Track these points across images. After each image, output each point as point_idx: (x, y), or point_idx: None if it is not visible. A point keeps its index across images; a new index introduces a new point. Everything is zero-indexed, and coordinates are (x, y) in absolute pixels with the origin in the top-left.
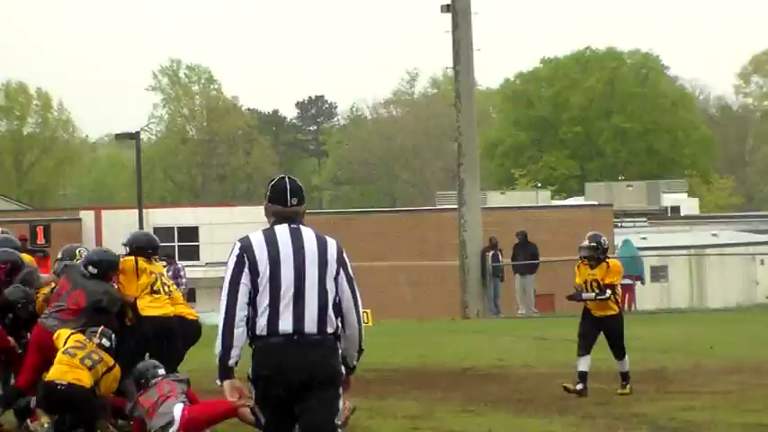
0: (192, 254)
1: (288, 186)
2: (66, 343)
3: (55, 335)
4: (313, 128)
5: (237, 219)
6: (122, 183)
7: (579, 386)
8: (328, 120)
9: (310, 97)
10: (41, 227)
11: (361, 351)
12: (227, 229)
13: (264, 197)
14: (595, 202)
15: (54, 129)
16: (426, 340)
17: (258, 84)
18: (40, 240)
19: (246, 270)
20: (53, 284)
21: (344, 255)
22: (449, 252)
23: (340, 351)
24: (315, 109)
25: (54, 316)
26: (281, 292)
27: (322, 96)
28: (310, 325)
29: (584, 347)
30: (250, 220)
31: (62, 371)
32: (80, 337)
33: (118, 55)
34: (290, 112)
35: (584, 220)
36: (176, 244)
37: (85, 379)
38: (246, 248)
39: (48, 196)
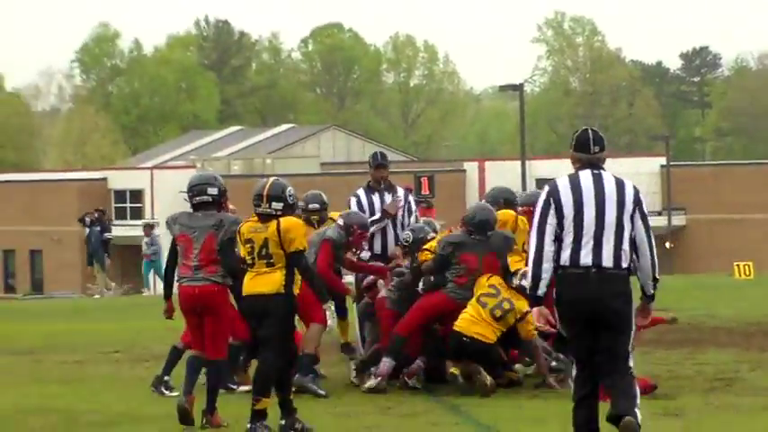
0: None
1: (591, 136)
2: (482, 288)
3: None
4: (696, 79)
5: (619, 170)
6: (506, 134)
7: None
8: (712, 71)
9: (694, 48)
10: (426, 177)
11: (655, 280)
12: None
13: (570, 146)
14: None
15: (440, 81)
16: None
17: (642, 35)
18: (425, 191)
19: (553, 211)
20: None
21: (640, 195)
22: None
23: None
24: (699, 60)
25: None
26: (584, 231)
27: (706, 47)
28: (607, 260)
29: None
30: (632, 172)
31: (469, 322)
32: (496, 280)
33: (503, 7)
34: (673, 64)
35: None
36: None
37: (489, 334)
38: (553, 192)
39: (432, 147)
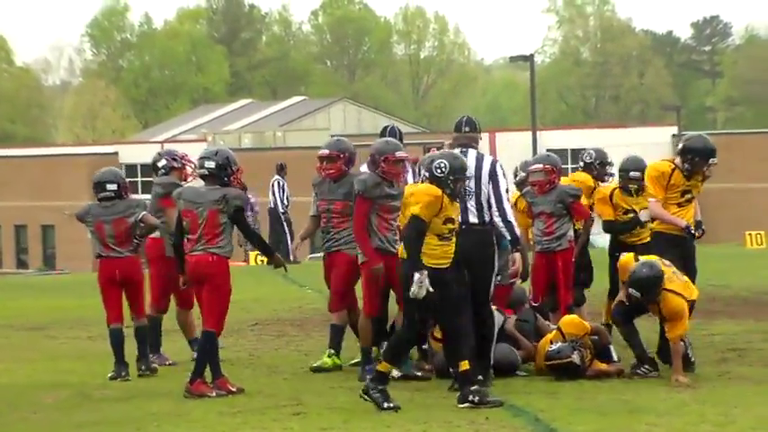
0: None
1: (464, 120)
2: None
3: None
4: (707, 48)
5: (630, 140)
6: (516, 105)
7: None
8: (723, 40)
9: (705, 17)
10: (436, 149)
11: (508, 224)
12: (620, 150)
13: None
14: None
15: (450, 52)
16: None
17: (652, 4)
18: None
19: None
20: None
21: (496, 168)
22: None
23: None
24: (710, 29)
25: None
26: None
27: (717, 16)
28: (473, 218)
29: None
30: (643, 142)
31: None
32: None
33: None
34: (684, 33)
35: None
36: (569, 166)
37: None
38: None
39: (443, 119)
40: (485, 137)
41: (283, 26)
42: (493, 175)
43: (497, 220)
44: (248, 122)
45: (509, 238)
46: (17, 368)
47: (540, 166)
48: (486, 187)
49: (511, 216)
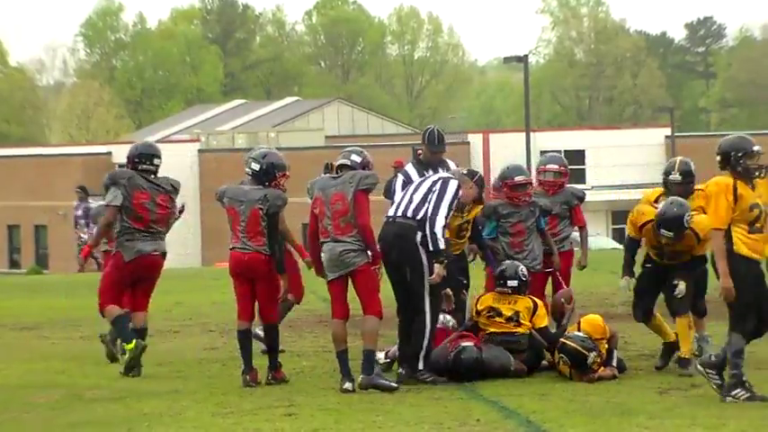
0: (578, 177)
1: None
2: None
3: None
4: (701, 49)
5: (624, 142)
6: (510, 106)
7: None
8: (717, 41)
9: (699, 18)
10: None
11: (433, 235)
12: (613, 151)
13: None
14: None
15: (444, 53)
16: None
17: (646, 5)
18: None
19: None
20: None
21: (450, 183)
22: None
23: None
24: (704, 30)
25: None
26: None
27: (711, 17)
28: (393, 210)
29: None
30: (636, 143)
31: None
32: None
33: None
34: (678, 34)
35: None
36: None
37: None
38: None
39: (437, 120)
40: (479, 138)
41: (277, 26)
42: (444, 185)
43: (428, 228)
44: (242, 123)
45: (431, 248)
46: (9, 368)
47: (556, 166)
48: (429, 194)
49: (439, 229)
